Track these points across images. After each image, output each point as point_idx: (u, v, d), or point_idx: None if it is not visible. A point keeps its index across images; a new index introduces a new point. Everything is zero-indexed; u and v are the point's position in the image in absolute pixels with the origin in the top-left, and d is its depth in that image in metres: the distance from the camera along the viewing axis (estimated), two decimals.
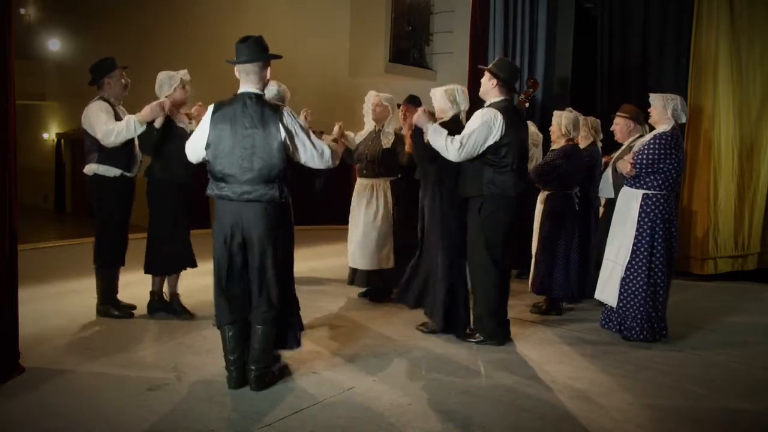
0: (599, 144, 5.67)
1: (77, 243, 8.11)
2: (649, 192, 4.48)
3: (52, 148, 19.60)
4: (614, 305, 4.59)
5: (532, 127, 5.82)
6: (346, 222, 5.75)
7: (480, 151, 4.26)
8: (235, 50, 3.51)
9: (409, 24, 11.04)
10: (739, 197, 7.01)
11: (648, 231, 4.47)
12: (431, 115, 4.50)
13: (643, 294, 4.49)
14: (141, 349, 4.19)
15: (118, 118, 4.69)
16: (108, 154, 4.66)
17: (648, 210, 4.47)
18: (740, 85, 6.94)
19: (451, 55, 10.58)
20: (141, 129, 4.55)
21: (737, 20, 6.89)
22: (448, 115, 4.62)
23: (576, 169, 5.26)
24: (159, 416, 3.20)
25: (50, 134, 19.62)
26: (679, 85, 7.04)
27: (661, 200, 4.48)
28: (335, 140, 5.15)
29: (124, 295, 4.95)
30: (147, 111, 4.53)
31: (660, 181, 4.45)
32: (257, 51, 3.49)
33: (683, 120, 4.62)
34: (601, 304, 4.83)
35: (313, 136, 3.63)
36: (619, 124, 5.19)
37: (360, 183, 5.60)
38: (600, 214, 5.58)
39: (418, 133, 4.45)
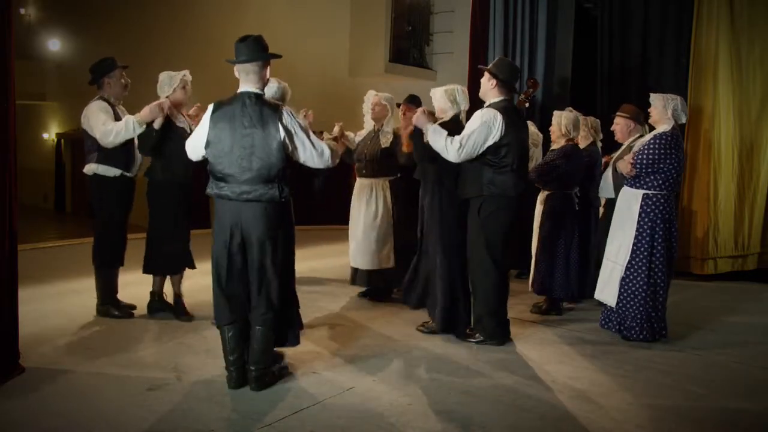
0: (599, 144, 5.67)
1: (77, 243, 8.10)
2: (649, 192, 4.48)
3: (52, 148, 19.59)
4: (614, 305, 4.59)
5: (532, 127, 5.82)
6: (346, 222, 5.75)
7: (480, 152, 4.26)
8: (235, 50, 3.50)
9: (409, 24, 11.03)
10: (739, 197, 7.00)
11: (648, 231, 4.47)
12: (431, 116, 4.50)
13: (643, 294, 4.49)
14: (141, 349, 4.19)
15: (117, 118, 4.69)
16: (107, 154, 4.66)
17: (648, 210, 4.47)
18: (740, 85, 6.93)
19: (451, 55, 10.57)
20: (140, 130, 4.55)
21: (737, 20, 6.89)
22: (448, 115, 4.62)
23: (576, 169, 5.26)
24: (159, 416, 3.20)
25: (50, 134, 19.62)
26: (679, 85, 7.04)
27: (662, 200, 4.48)
28: (335, 139, 5.15)
29: (124, 295, 4.95)
30: (146, 112, 4.53)
31: (660, 181, 4.45)
32: (256, 50, 3.49)
33: (683, 120, 4.62)
34: (601, 304, 4.83)
35: (312, 135, 3.63)
36: (619, 124, 5.18)
37: (359, 183, 5.61)
38: (600, 214, 5.58)
39: (417, 133, 4.45)
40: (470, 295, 4.53)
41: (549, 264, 5.32)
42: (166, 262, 4.76)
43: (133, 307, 4.94)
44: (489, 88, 4.42)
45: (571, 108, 5.60)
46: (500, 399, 3.54)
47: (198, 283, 5.13)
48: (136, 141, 4.69)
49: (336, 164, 3.81)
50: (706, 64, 6.94)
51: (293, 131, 3.52)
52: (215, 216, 3.57)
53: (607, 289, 4.64)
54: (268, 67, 3.57)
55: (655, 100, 4.57)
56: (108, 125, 4.58)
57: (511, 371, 3.96)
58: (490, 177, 4.31)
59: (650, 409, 3.47)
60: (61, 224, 17.15)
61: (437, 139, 4.27)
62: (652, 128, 4.71)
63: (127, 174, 4.77)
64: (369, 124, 5.59)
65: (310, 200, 10.71)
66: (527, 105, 5.66)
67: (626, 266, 4.53)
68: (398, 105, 5.68)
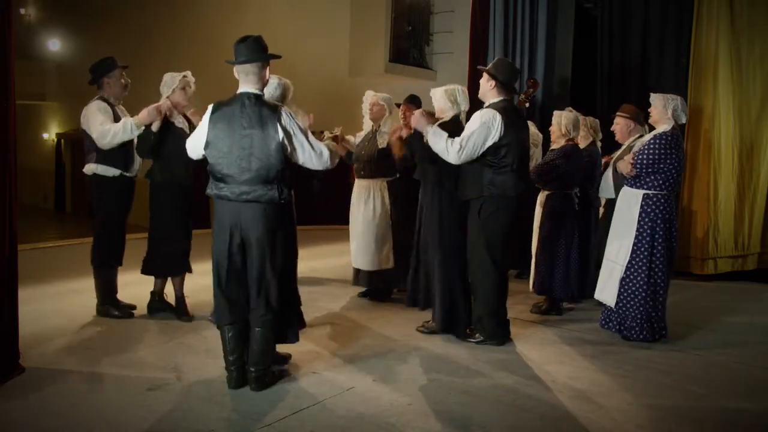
0: (598, 144, 5.67)
1: (77, 243, 8.11)
2: (649, 192, 4.48)
3: (52, 148, 19.61)
4: (613, 305, 4.59)
5: (532, 128, 5.82)
6: (346, 222, 5.75)
7: (480, 153, 4.25)
8: (234, 50, 3.50)
9: (409, 24, 11.03)
10: (739, 197, 7.00)
11: (648, 231, 4.47)
12: (431, 116, 4.50)
13: (643, 294, 4.49)
14: (141, 349, 4.19)
15: (117, 118, 4.70)
16: (107, 154, 4.66)
17: (648, 210, 4.47)
18: (740, 85, 6.93)
19: (451, 55, 10.57)
20: (137, 132, 4.56)
21: (737, 20, 6.89)
22: (448, 116, 4.62)
23: (576, 169, 5.26)
24: (159, 416, 3.20)
25: (50, 134, 19.63)
26: (679, 85, 7.04)
27: (662, 200, 4.48)
28: (335, 138, 5.12)
29: (123, 295, 4.95)
30: (144, 114, 4.53)
31: (660, 181, 4.45)
32: (256, 51, 3.49)
33: (683, 120, 4.62)
34: (600, 304, 4.83)
35: (311, 136, 3.62)
36: (620, 124, 5.18)
37: (358, 184, 5.60)
38: (600, 214, 5.58)
39: (417, 135, 4.44)
40: (470, 295, 4.53)
41: (549, 264, 5.32)
42: (165, 263, 4.75)
43: (133, 307, 4.94)
44: (488, 89, 4.42)
45: (571, 108, 5.60)
46: (500, 399, 3.54)
47: (198, 283, 5.13)
48: (135, 141, 4.69)
49: (335, 166, 3.80)
50: (706, 64, 6.94)
51: (292, 132, 3.51)
52: (215, 216, 3.57)
53: (607, 289, 4.64)
54: (268, 68, 3.57)
55: (655, 100, 4.57)
56: (105, 126, 4.58)
57: (511, 371, 3.96)
58: (490, 178, 4.31)
59: (650, 409, 3.47)
60: (61, 224, 17.16)
61: (437, 141, 4.27)
62: (652, 128, 4.71)
63: (127, 174, 4.77)
64: (368, 125, 5.58)
65: (310, 200, 10.71)
66: (527, 105, 5.66)
67: (626, 266, 4.53)
68: (398, 105, 5.67)
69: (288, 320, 3.77)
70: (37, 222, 15.51)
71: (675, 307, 5.06)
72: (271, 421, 3.18)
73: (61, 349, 4.15)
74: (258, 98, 3.51)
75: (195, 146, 3.63)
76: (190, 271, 4.83)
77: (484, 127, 4.23)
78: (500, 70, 4.40)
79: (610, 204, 5.05)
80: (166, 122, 4.59)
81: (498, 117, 4.25)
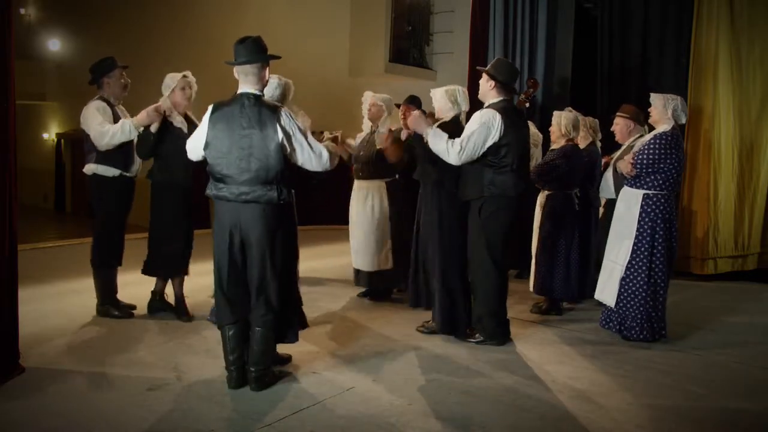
0: (598, 144, 5.67)
1: (77, 243, 8.11)
2: (649, 192, 4.48)
3: (52, 148, 19.59)
4: (613, 305, 4.59)
5: (532, 128, 5.81)
6: (346, 222, 5.75)
7: (480, 153, 4.25)
8: (234, 51, 3.50)
9: (409, 24, 11.02)
10: (739, 197, 7.01)
11: (648, 231, 4.47)
12: (430, 116, 4.50)
13: (643, 294, 4.49)
14: (141, 349, 4.19)
15: (116, 118, 4.70)
16: (107, 154, 4.66)
17: (648, 210, 4.47)
18: (740, 85, 6.93)
19: (451, 55, 10.57)
20: (136, 133, 4.56)
21: (737, 20, 6.89)
22: (448, 116, 4.62)
23: (576, 169, 5.26)
24: (159, 416, 3.20)
25: (50, 134, 19.62)
26: (679, 85, 7.04)
27: (662, 200, 4.48)
28: (335, 139, 5.12)
29: (123, 295, 4.96)
30: (143, 116, 4.53)
31: (660, 181, 4.46)
32: (255, 52, 3.49)
33: (683, 120, 4.62)
34: (600, 304, 4.83)
35: (311, 137, 3.61)
36: (619, 124, 5.18)
37: (356, 185, 5.59)
38: (600, 215, 5.58)
39: (417, 137, 4.44)
40: (470, 295, 4.53)
41: (549, 264, 5.32)
42: (165, 263, 4.75)
43: (133, 307, 4.95)
44: (488, 89, 4.42)
45: (570, 108, 5.60)
46: (500, 399, 3.54)
47: (198, 283, 5.13)
48: (135, 141, 4.69)
49: (335, 167, 3.80)
50: (706, 64, 6.94)
51: (291, 133, 3.51)
52: (215, 217, 3.57)
53: (607, 289, 4.64)
54: (268, 68, 3.57)
55: (655, 100, 4.57)
56: (104, 127, 4.58)
57: (511, 371, 3.96)
58: (490, 178, 4.31)
59: (650, 409, 3.47)
60: (61, 224, 17.15)
61: (437, 143, 4.27)
62: (652, 128, 4.71)
63: (127, 174, 4.77)
64: (367, 126, 5.58)
65: (310, 200, 10.69)
66: (527, 105, 5.65)
67: (626, 266, 4.53)
68: (398, 106, 5.67)
69: (288, 320, 3.77)
70: (37, 222, 15.50)
71: (675, 307, 5.06)
72: (271, 421, 3.18)
73: (61, 349, 4.15)
74: (258, 99, 3.51)
75: (195, 147, 3.63)
76: (186, 273, 4.83)
77: (484, 128, 4.23)
78: (500, 71, 4.40)
79: (610, 204, 5.05)
80: (165, 122, 4.59)
81: (498, 117, 4.25)
